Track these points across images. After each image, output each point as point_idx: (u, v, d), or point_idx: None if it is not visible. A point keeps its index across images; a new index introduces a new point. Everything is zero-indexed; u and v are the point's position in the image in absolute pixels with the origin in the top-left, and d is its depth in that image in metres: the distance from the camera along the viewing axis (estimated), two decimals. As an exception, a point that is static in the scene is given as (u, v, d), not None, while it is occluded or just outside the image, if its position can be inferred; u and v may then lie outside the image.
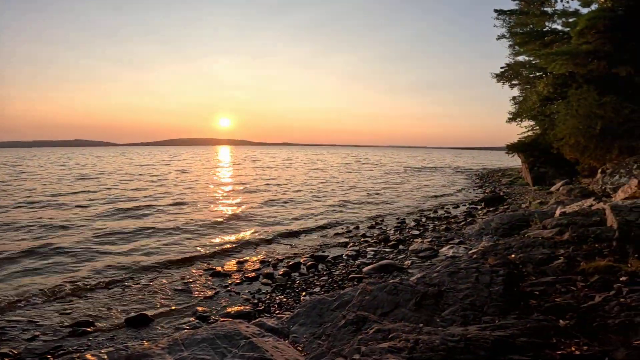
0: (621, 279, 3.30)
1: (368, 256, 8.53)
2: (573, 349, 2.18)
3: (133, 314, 5.69)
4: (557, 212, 8.13)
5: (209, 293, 6.61)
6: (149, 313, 5.74)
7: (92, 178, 27.64)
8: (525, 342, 2.29)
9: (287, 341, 4.07)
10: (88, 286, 6.88)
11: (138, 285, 7.00)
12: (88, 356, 4.36)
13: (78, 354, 4.44)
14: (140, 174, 31.51)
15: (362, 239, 10.40)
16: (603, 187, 11.29)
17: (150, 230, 11.17)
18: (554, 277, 3.90)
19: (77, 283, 6.99)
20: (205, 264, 8.30)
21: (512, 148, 23.02)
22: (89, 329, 5.26)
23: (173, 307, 6.06)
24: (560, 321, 2.68)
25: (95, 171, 34.82)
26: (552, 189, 16.28)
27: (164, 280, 7.26)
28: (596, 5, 12.87)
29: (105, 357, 4.30)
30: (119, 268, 7.85)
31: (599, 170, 12.18)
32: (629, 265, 3.61)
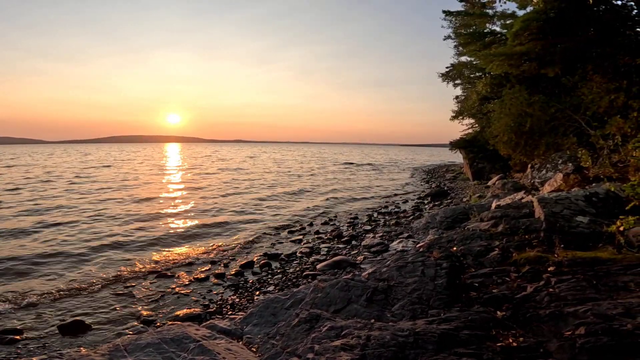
0: (549, 269, 3.63)
1: (322, 253, 8.60)
2: (510, 340, 2.36)
3: (68, 320, 5.28)
4: (493, 205, 8.76)
5: (155, 296, 6.27)
6: (86, 319, 5.35)
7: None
8: (469, 334, 2.46)
9: (240, 342, 3.98)
10: (15, 296, 6.22)
11: (73, 293, 6.44)
12: (18, 364, 4.00)
13: (6, 362, 4.10)
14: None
15: (315, 236, 10.47)
16: (532, 181, 12.36)
17: (81, 238, 9.93)
18: (491, 268, 4.20)
19: (3, 293, 6.31)
20: (150, 266, 7.84)
21: (454, 145, 24.54)
22: (17, 337, 4.87)
23: (114, 313, 5.67)
24: (498, 312, 2.89)
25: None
26: (489, 183, 17.54)
27: (103, 286, 6.75)
28: (532, 8, 13.65)
29: (37, 364, 3.96)
30: (51, 277, 7.16)
31: (529, 166, 13.32)
32: (556, 255, 3.98)
